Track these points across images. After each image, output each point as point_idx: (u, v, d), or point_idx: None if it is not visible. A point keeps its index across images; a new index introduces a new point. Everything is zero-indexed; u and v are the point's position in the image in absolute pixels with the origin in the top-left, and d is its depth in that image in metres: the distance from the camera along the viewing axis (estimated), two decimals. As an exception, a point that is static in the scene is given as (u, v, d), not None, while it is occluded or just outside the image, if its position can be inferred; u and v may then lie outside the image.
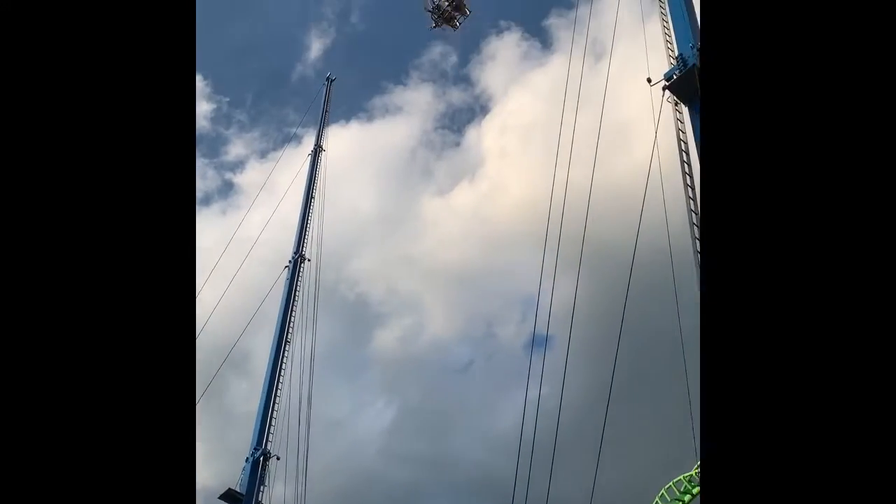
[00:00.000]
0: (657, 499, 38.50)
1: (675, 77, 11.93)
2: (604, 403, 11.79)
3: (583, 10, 16.74)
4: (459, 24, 28.83)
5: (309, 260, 24.47)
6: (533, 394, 12.74)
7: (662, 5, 14.09)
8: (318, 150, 28.35)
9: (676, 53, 12.44)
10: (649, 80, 12.32)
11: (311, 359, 20.98)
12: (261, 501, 18.35)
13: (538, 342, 14.04)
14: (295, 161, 29.45)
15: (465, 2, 28.37)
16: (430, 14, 28.25)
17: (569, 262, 13.47)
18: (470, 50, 65.80)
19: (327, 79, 31.49)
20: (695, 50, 11.98)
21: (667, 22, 13.67)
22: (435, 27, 28.63)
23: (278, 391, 20.55)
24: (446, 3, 27.99)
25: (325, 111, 29.91)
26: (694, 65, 11.65)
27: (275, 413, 20.07)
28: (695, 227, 10.68)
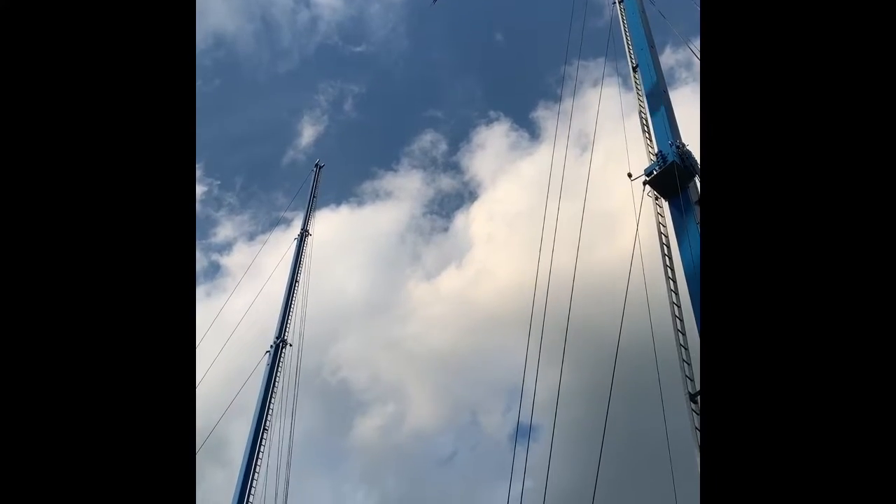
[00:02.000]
0: None
1: (654, 173, 12.37)
2: (590, 497, 11.51)
3: (567, 104, 17.44)
4: None
5: (291, 345, 24.24)
6: (518, 486, 12.43)
7: (642, 104, 14.75)
8: (304, 235, 28.66)
9: (656, 150, 12.93)
10: (630, 176, 12.75)
11: (289, 454, 20.44)
12: None
13: (523, 432, 13.82)
14: (282, 244, 29.63)
15: None
16: None
17: (555, 349, 13.46)
18: (460, 139, 67.66)
19: (316, 165, 32.20)
20: (673, 147, 12.48)
21: (646, 119, 14.27)
22: None
23: (254, 482, 19.89)
24: None
25: (313, 197, 30.42)
26: (673, 161, 12.11)
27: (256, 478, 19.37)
28: (677, 320, 10.79)
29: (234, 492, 19.96)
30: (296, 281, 26.55)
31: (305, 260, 27.51)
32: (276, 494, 18.86)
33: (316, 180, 31.18)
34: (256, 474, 20.07)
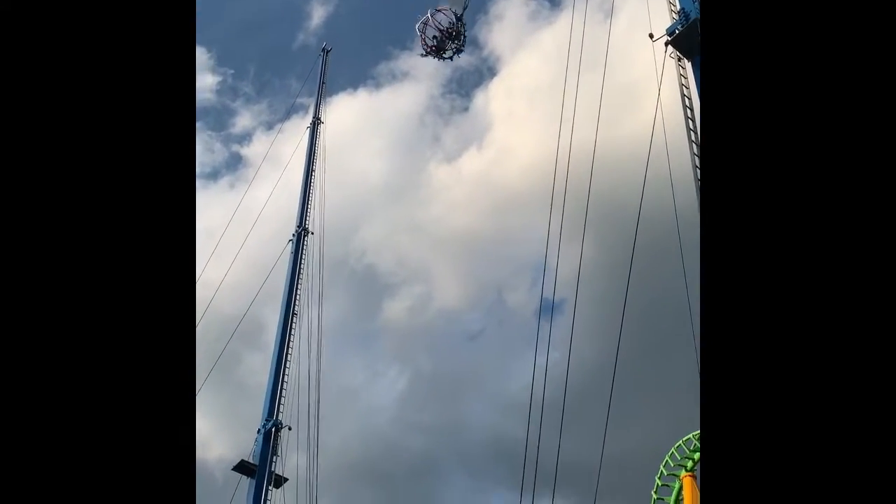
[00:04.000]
0: (667, 458, 38.91)
1: (677, 32, 11.80)
2: (613, 367, 11.82)
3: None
4: (453, 54, 23.21)
5: (312, 233, 24.45)
6: (542, 358, 12.77)
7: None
8: (316, 123, 28.17)
9: (678, 7, 12.26)
10: (651, 36, 12.17)
11: (319, 331, 21.07)
12: (274, 471, 18.55)
13: (547, 306, 14.04)
14: (299, 132, 29.16)
15: (462, 28, 22.78)
16: (423, 41, 22.76)
17: (577, 224, 13.41)
18: (476, 10, 64.77)
19: (323, 50, 31.18)
20: (695, 3, 11.80)
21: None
22: (426, 55, 23.42)
23: (288, 363, 20.69)
24: (444, 29, 22.29)
25: (322, 83, 29.65)
26: (696, 18, 11.49)
27: (285, 384, 20.24)
28: (699, 184, 10.61)
29: (268, 375, 20.84)
30: (311, 170, 26.40)
31: (319, 148, 27.23)
32: (311, 372, 19.65)
33: (324, 66, 30.30)
34: (289, 358, 20.82)
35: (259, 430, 19.49)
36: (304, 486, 17.48)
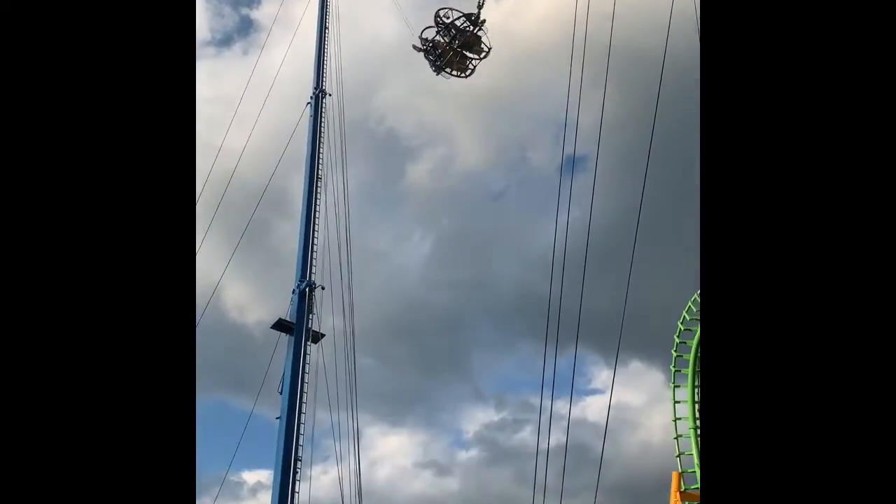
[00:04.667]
0: (685, 313, 40.03)
1: None
2: (635, 223, 11.98)
3: None
4: (473, 68, 19.86)
5: (330, 94, 24.12)
6: (565, 214, 12.96)
7: None
8: (326, -23, 26.88)
9: None
10: None
11: (345, 181, 21.31)
12: (311, 328, 19.55)
13: (570, 160, 14.03)
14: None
15: (481, 34, 18.72)
16: (426, 56, 19.50)
17: (599, 75, 13.09)
18: None
19: None
20: None
21: None
22: (438, 73, 19.83)
23: (316, 225, 21.17)
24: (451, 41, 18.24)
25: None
26: None
27: (315, 246, 20.82)
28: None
29: (298, 237, 21.42)
30: (324, 27, 25.57)
31: (332, 6, 26.18)
32: (339, 238, 20.15)
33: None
34: (317, 220, 21.27)
35: (294, 290, 20.33)
36: (341, 341, 18.50)
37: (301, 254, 20.87)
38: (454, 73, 20.43)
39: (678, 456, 36.55)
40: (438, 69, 20.24)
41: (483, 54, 19.86)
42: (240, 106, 24.59)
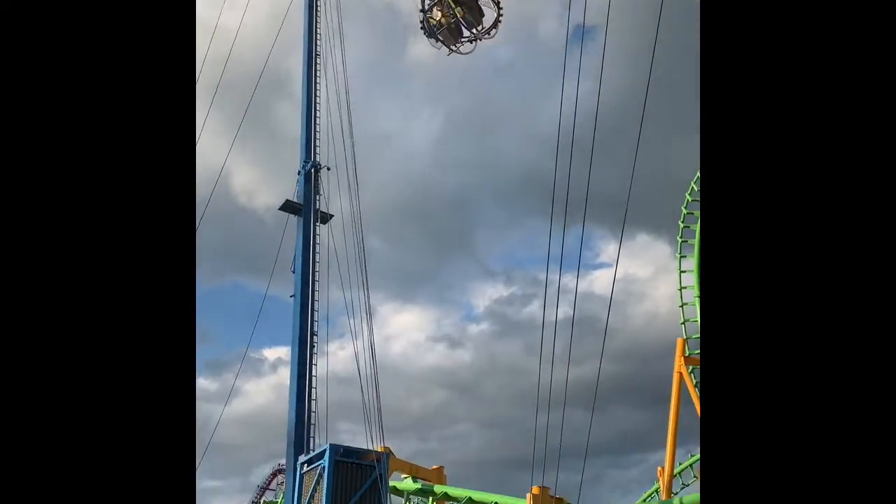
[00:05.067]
0: (695, 180, 39.68)
1: None
2: (643, 97, 11.65)
3: None
4: (472, 44, 17.53)
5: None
6: (573, 86, 12.59)
7: None
8: None
9: None
10: None
11: (343, 55, 20.73)
12: (318, 208, 19.69)
13: (580, 31, 13.44)
14: None
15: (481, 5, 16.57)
16: (423, 24, 17.51)
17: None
18: None
19: None
20: None
21: None
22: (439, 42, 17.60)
23: (317, 104, 20.79)
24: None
25: None
26: None
27: (318, 125, 20.55)
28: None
29: (300, 116, 21.08)
30: None
31: None
32: (342, 117, 19.80)
33: None
34: (318, 102, 20.84)
35: (299, 171, 20.30)
36: (349, 219, 18.66)
37: (304, 134, 20.66)
38: (450, 45, 18.55)
39: (683, 323, 37.68)
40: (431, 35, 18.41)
41: (482, 29, 17.63)
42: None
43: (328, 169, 19.78)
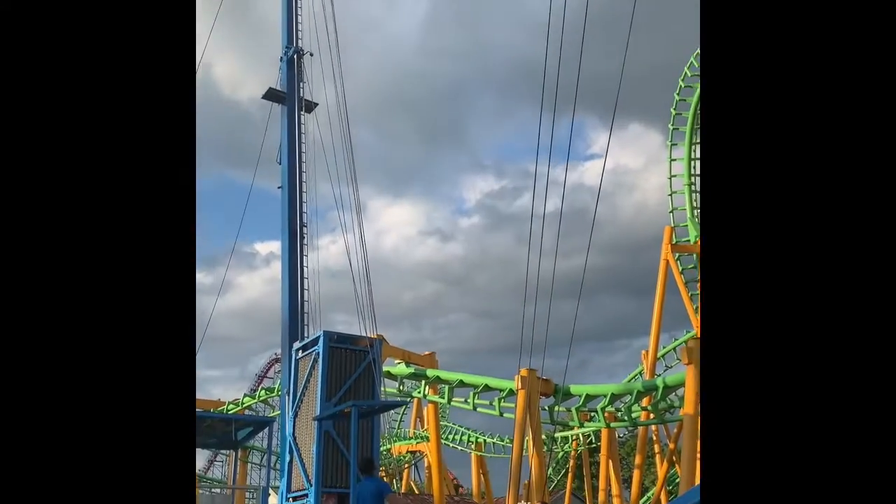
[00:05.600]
0: (688, 66, 38.75)
1: None
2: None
3: None
4: None
5: None
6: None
7: None
8: None
9: None
10: None
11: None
12: (303, 97, 19.17)
13: None
14: None
15: None
16: None
17: None
18: None
19: None
20: None
21: None
22: None
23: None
24: None
25: None
26: None
27: (300, 10, 19.67)
28: None
29: (281, 5, 20.13)
30: None
31: None
32: (323, 2, 18.89)
33: None
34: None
35: (281, 58, 19.61)
36: (335, 109, 18.18)
37: (285, 19, 19.81)
38: None
39: (671, 211, 37.95)
40: None
41: None
42: None
43: (311, 55, 19.11)
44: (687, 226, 38.00)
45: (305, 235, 18.46)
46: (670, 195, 39.94)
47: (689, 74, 39.11)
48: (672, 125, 39.74)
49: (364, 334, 15.48)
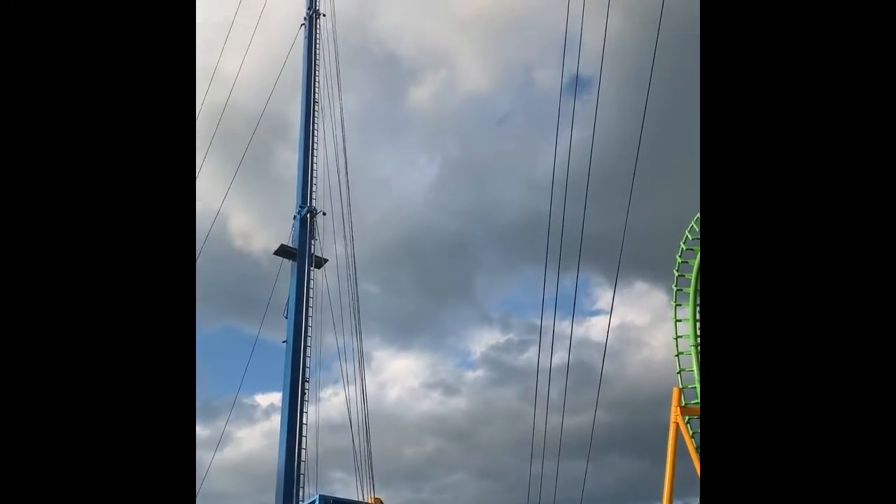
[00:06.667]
0: (689, 229, 39.94)
1: None
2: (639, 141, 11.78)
3: None
4: None
5: (324, 15, 23.45)
6: (567, 134, 12.75)
7: None
8: None
9: None
10: None
11: (340, 102, 21.01)
12: (313, 253, 19.67)
13: (581, 83, 13.68)
14: None
15: None
16: None
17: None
18: None
19: None
20: None
21: None
22: None
23: (315, 150, 20.98)
24: None
25: None
26: None
27: (315, 172, 20.70)
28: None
29: (297, 163, 21.25)
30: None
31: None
32: (338, 162, 19.97)
33: None
34: (316, 145, 21.05)
35: (295, 216, 20.35)
36: (344, 265, 18.61)
37: (301, 179, 20.78)
38: None
39: (679, 372, 37.38)
40: None
41: None
42: (236, 30, 23.93)
43: (324, 214, 19.85)
44: (695, 387, 37.25)
45: (307, 392, 18.17)
46: (677, 356, 39.52)
47: (690, 237, 40.21)
48: (675, 286, 40.22)
49: (362, 498, 14.77)
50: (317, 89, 21.84)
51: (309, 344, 18.79)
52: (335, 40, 22.75)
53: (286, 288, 19.78)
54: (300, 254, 19.61)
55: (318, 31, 23.05)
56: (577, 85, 12.97)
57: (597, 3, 13.04)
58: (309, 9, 23.48)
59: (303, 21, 23.42)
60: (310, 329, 18.92)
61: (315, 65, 22.24)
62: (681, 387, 35.69)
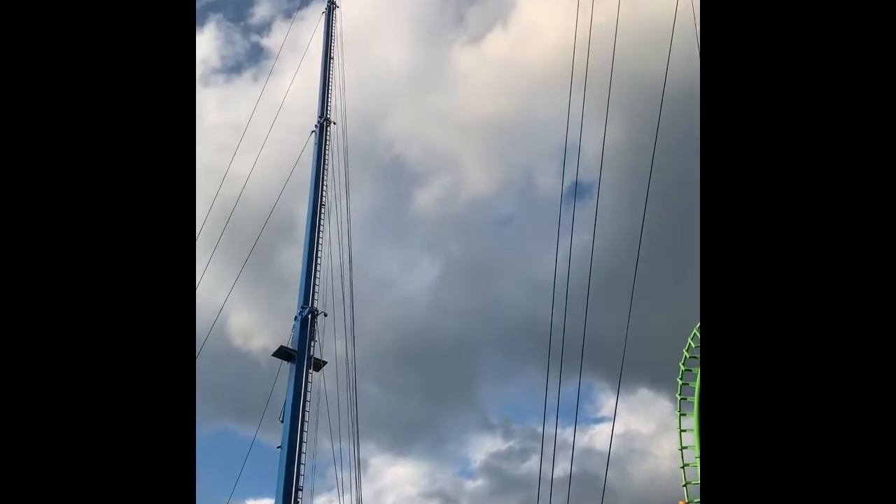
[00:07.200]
0: (690, 340, 39.68)
1: None
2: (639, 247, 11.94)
3: None
4: None
5: (335, 123, 24.32)
6: (568, 239, 12.94)
7: None
8: (331, 7, 27.39)
9: None
10: None
11: (347, 208, 21.36)
12: (313, 355, 19.45)
13: (581, 189, 14.04)
14: (319, 18, 28.24)
15: None
16: None
17: (603, 104, 13.17)
18: None
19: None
20: None
21: None
22: None
23: (319, 252, 21.20)
24: None
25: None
26: None
27: (318, 273, 20.83)
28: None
29: (301, 264, 21.42)
30: (329, 57, 25.90)
31: (336, 33, 26.57)
32: (342, 264, 20.13)
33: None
34: (320, 247, 21.31)
35: (296, 317, 20.28)
36: (343, 368, 18.37)
37: (304, 280, 20.88)
38: None
39: (685, 485, 36.04)
40: None
41: None
42: (249, 131, 24.77)
43: (325, 315, 19.79)
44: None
45: (300, 501, 17.47)
46: (682, 467, 38.29)
47: (693, 345, 39.82)
48: (679, 395, 39.51)
49: None
50: (325, 192, 22.35)
51: (304, 450, 18.26)
52: (346, 148, 23.51)
53: (284, 389, 19.44)
54: (299, 356, 19.41)
55: (328, 137, 23.85)
56: (576, 192, 13.30)
57: (595, 111, 13.59)
58: (320, 117, 24.40)
59: (313, 128, 24.27)
60: (305, 434, 18.44)
61: (324, 169, 22.87)
62: (687, 500, 34.32)
